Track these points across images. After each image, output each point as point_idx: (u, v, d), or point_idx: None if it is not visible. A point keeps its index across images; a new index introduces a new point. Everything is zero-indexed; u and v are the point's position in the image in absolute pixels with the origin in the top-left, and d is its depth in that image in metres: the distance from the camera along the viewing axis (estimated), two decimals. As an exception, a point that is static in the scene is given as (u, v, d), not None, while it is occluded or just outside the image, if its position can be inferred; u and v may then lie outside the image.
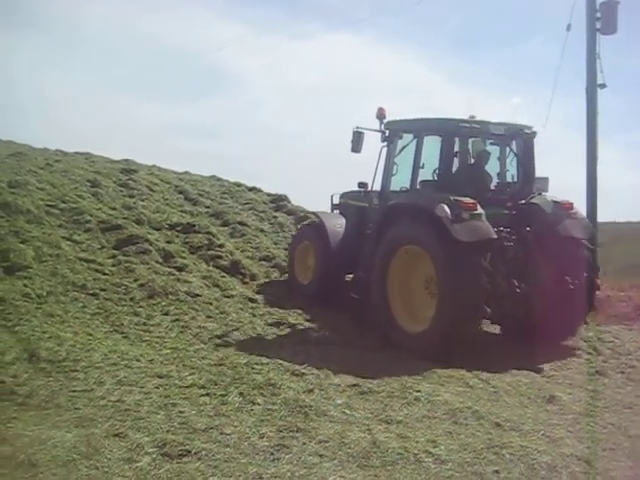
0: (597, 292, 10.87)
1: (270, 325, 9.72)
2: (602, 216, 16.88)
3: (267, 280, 12.15)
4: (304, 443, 5.42)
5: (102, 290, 9.86)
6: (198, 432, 5.46)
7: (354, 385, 7.12)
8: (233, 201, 16.05)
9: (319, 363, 7.95)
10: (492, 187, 10.39)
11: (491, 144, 10.44)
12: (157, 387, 6.57)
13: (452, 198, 8.94)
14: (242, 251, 12.93)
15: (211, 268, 11.88)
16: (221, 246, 12.75)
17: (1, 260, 10.06)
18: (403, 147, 10.51)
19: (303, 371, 7.35)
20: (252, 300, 10.76)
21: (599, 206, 16.47)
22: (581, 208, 16.60)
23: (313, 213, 12.84)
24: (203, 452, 5.04)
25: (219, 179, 18.27)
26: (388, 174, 10.61)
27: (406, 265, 9.64)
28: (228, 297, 10.68)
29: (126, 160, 18.26)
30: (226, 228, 13.90)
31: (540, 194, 10.16)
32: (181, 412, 5.91)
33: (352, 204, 11.71)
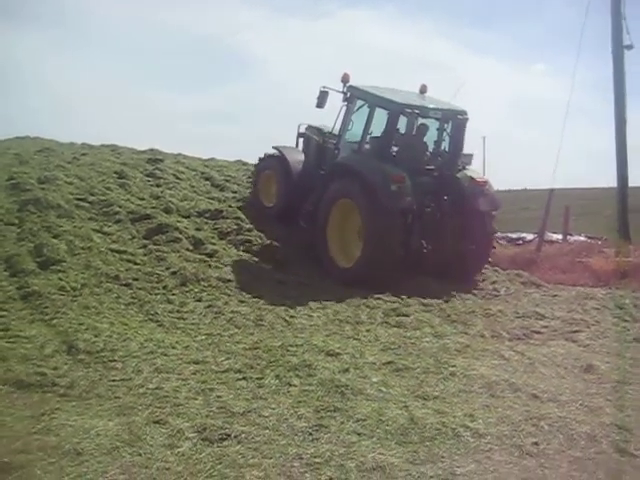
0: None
1: (302, 306, 9.72)
2: (634, 180, 16.58)
3: (297, 262, 12.17)
4: (342, 422, 5.43)
5: (135, 280, 9.98)
6: (237, 416, 5.50)
7: (389, 363, 7.12)
8: (259, 185, 16.03)
9: (353, 342, 7.99)
10: (425, 159, 12.29)
11: (430, 123, 12.31)
12: (194, 373, 6.62)
13: (386, 170, 11.19)
14: (271, 234, 12.96)
15: (241, 253, 11.94)
16: (250, 230, 12.82)
17: (35, 255, 10.25)
18: (358, 108, 12.46)
19: (338, 351, 7.35)
20: (283, 282, 10.81)
21: (631, 169, 16.22)
22: (611, 173, 16.42)
23: (275, 147, 14.26)
24: (242, 435, 5.08)
25: (245, 163, 18.32)
26: (345, 128, 12.62)
27: (343, 213, 11.83)
28: (259, 281, 10.73)
29: (152, 150, 18.37)
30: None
31: (465, 168, 12.15)
32: (219, 397, 5.96)
33: (314, 139, 13.64)
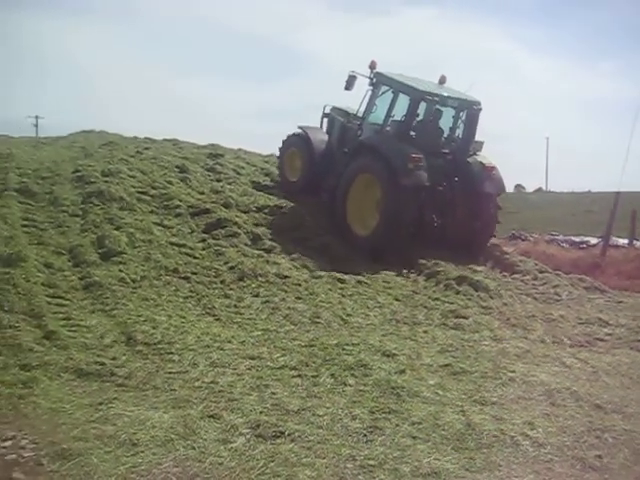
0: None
1: (359, 305, 9.64)
2: None
3: (356, 260, 12.09)
4: (397, 425, 5.34)
5: (193, 274, 10.08)
6: (291, 413, 5.48)
7: (446, 365, 6.99)
8: (319, 182, 16.05)
9: (410, 343, 7.88)
10: (441, 143, 13.56)
11: (447, 111, 13.50)
12: (249, 369, 6.63)
13: (405, 150, 12.24)
14: (330, 232, 12.92)
15: (299, 249, 11.93)
16: (308, 227, 12.81)
17: (97, 247, 10.48)
18: (383, 93, 13.50)
19: (394, 351, 7.25)
20: (341, 280, 10.72)
21: None
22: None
23: (300, 127, 15.33)
24: (296, 433, 5.05)
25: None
26: (369, 110, 13.72)
27: (363, 187, 12.93)
28: (317, 278, 10.70)
29: (212, 145, 18.59)
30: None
31: (475, 154, 13.29)
32: (273, 393, 5.95)
33: (338, 119, 14.70)
